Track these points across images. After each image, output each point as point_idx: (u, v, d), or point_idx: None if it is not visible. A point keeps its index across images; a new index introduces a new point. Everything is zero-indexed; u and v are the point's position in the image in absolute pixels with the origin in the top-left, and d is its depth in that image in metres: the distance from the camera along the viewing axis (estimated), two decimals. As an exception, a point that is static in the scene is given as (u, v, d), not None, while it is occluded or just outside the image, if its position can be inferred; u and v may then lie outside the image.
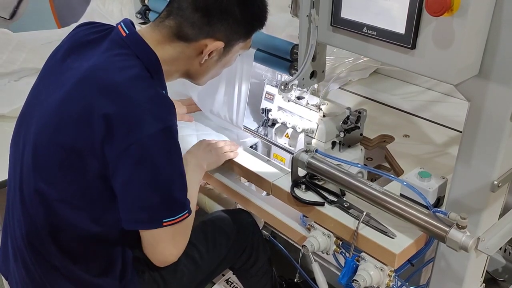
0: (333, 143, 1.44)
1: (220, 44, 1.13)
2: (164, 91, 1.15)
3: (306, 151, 1.27)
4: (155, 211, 1.09)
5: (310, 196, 1.26)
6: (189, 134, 1.56)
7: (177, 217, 1.10)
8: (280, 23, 1.70)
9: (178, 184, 1.11)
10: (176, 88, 1.72)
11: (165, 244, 1.15)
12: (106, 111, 1.01)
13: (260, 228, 1.76)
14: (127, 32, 1.12)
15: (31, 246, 1.17)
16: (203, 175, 1.41)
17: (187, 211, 1.12)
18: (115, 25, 1.15)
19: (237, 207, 1.68)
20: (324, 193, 1.26)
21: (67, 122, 1.06)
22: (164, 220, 1.09)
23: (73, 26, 1.37)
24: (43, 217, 1.13)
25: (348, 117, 1.42)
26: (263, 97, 1.61)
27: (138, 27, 1.18)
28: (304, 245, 1.23)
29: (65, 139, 1.07)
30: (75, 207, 1.11)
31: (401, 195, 1.17)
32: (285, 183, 1.32)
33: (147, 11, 1.79)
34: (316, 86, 1.52)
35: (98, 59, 1.09)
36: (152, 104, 1.04)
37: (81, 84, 1.07)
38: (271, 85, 1.58)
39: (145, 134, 1.01)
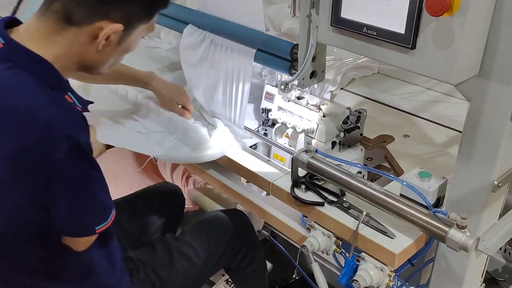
0: (333, 143, 1.44)
1: (118, 27, 0.99)
2: (68, 93, 1.04)
3: (306, 151, 1.27)
4: (92, 218, 1.04)
5: (310, 196, 1.26)
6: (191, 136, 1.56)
7: (107, 222, 1.05)
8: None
9: (104, 193, 1.06)
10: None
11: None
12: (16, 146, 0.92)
13: (260, 228, 1.77)
14: (3, 41, 0.97)
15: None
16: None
17: (113, 212, 1.07)
18: None
19: (237, 207, 1.68)
20: (324, 193, 1.26)
21: None
22: (96, 228, 1.04)
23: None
24: None
25: (348, 117, 1.42)
26: (263, 97, 1.61)
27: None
28: (304, 245, 1.23)
29: None
30: None
31: (401, 195, 1.17)
32: (285, 183, 1.32)
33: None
34: (316, 86, 1.52)
35: None
36: (57, 124, 0.94)
37: None
38: (271, 85, 1.58)
39: (57, 159, 0.93)
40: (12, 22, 1.03)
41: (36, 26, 0.99)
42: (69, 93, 1.03)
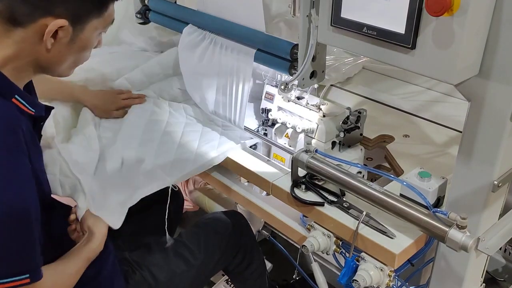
0: (333, 143, 1.44)
1: (62, 22, 0.94)
2: (16, 95, 0.99)
3: (306, 151, 1.27)
4: None
5: (310, 196, 1.26)
6: (193, 140, 1.55)
7: (5, 281, 0.87)
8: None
9: (12, 230, 0.90)
10: (177, 87, 1.73)
11: None
12: None
13: (260, 228, 1.76)
14: None
15: None
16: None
17: (27, 275, 0.90)
18: None
19: (237, 207, 1.68)
20: (324, 193, 1.26)
21: None
22: None
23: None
24: None
25: (348, 117, 1.42)
26: (263, 97, 1.61)
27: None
28: (304, 245, 1.23)
29: None
30: None
31: (401, 195, 1.17)
32: (285, 183, 1.32)
33: (147, 11, 1.79)
34: (316, 86, 1.52)
35: None
36: None
37: None
38: (271, 85, 1.58)
39: None
40: None
41: None
42: (16, 96, 0.99)
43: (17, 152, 0.94)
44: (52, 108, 1.11)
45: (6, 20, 0.94)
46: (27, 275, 0.90)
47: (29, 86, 1.11)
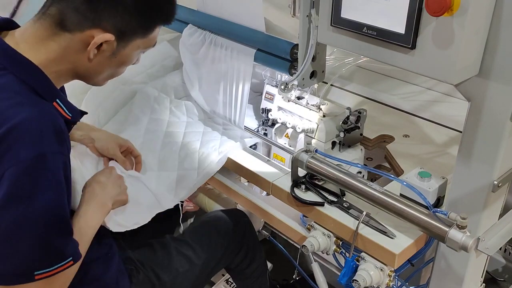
0: (333, 143, 1.44)
1: (109, 37, 0.98)
2: (57, 99, 1.01)
3: (306, 151, 1.27)
4: (25, 260, 0.92)
5: (310, 196, 1.26)
6: (195, 140, 1.55)
7: (53, 268, 0.94)
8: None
9: (55, 226, 0.95)
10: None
11: None
12: None
13: (260, 228, 1.76)
14: None
15: None
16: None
17: (69, 259, 0.97)
18: None
19: (237, 207, 1.68)
20: (324, 193, 1.26)
21: None
22: (36, 273, 0.93)
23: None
24: None
25: (348, 117, 1.42)
26: (263, 97, 1.61)
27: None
28: (304, 245, 1.23)
29: None
30: None
31: (401, 195, 1.17)
32: (285, 183, 1.32)
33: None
34: (316, 86, 1.52)
35: None
36: (27, 127, 0.91)
37: None
38: (271, 85, 1.58)
39: (15, 161, 0.89)
40: (9, 24, 1.03)
41: (31, 31, 0.99)
42: (57, 100, 1.01)
43: (63, 155, 0.97)
44: (86, 113, 1.13)
45: (56, 24, 0.98)
46: (70, 258, 0.97)
47: (62, 90, 1.13)
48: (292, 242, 1.55)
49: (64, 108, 1.03)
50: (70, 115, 1.04)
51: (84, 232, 1.08)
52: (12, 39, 0.99)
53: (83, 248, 1.06)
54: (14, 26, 1.04)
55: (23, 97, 0.95)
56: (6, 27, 1.02)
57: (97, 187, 1.19)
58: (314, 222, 1.26)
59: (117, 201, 1.23)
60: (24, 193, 0.90)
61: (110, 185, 1.22)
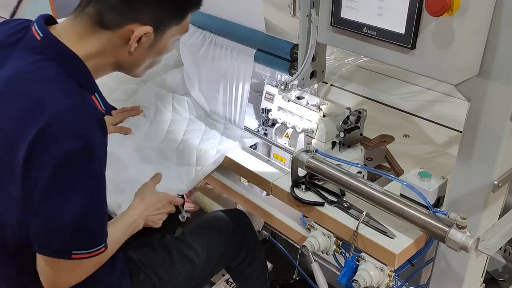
0: (333, 143, 1.44)
1: (147, 29, 1.01)
2: (95, 93, 1.05)
3: (306, 151, 1.27)
4: (69, 239, 0.98)
5: (310, 196, 1.26)
6: (195, 137, 1.55)
7: (90, 251, 1.00)
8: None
9: (95, 213, 1.00)
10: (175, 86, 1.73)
11: (67, 275, 1.04)
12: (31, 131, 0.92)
13: (260, 228, 1.76)
14: (42, 35, 1.00)
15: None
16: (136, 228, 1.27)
17: (103, 245, 1.02)
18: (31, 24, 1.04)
19: (237, 207, 1.68)
20: (324, 193, 1.26)
21: None
22: (74, 252, 0.98)
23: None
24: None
25: (348, 117, 1.42)
26: (263, 97, 1.61)
27: (61, 20, 1.07)
28: (304, 245, 1.23)
29: None
30: None
31: (401, 195, 1.17)
32: (285, 183, 1.32)
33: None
34: (316, 86, 1.52)
35: (13, 69, 0.99)
36: (73, 117, 0.93)
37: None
38: (271, 85, 1.58)
39: (61, 152, 0.92)
40: (50, 20, 1.06)
41: (70, 27, 1.02)
42: (96, 94, 1.05)
43: (106, 146, 1.02)
44: (114, 108, 1.17)
45: (95, 23, 1.01)
46: (103, 245, 1.02)
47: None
48: (292, 242, 1.55)
49: (101, 102, 1.06)
50: (105, 109, 1.07)
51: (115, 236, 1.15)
52: (55, 33, 1.01)
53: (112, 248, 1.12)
54: (53, 22, 1.06)
55: (69, 87, 0.97)
56: (48, 22, 1.05)
57: (138, 204, 1.29)
58: (314, 222, 1.26)
59: (148, 222, 1.31)
60: (71, 182, 0.94)
61: (152, 207, 1.31)
